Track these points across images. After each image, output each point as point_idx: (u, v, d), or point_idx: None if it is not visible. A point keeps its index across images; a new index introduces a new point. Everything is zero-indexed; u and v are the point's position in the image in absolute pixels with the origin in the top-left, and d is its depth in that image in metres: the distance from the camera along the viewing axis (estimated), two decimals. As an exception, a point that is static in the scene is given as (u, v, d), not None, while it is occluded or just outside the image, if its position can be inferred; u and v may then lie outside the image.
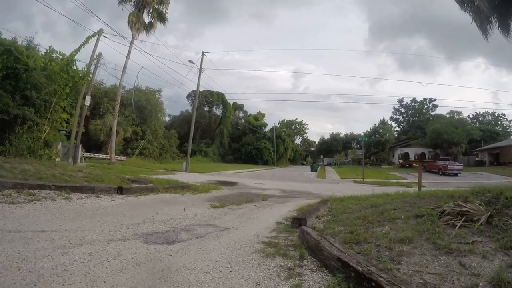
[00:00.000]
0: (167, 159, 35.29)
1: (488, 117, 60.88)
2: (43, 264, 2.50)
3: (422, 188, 9.05)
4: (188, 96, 50.52)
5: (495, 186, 5.15)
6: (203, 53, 24.00)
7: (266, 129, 57.75)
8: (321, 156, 73.24)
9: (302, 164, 70.46)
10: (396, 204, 5.10)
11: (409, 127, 54.15)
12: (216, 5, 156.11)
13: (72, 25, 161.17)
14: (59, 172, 7.43)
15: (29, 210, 4.41)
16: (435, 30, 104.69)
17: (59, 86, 12.19)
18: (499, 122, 59.69)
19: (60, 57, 12.86)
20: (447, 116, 49.84)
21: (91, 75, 16.06)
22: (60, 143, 15.92)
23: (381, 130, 52.13)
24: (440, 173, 25.75)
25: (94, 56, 16.41)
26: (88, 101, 16.02)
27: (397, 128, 57.75)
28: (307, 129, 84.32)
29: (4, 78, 10.61)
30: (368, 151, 47.86)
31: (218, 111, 54.04)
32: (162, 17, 21.43)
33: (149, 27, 20.85)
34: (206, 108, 54.06)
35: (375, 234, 3.48)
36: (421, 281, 2.32)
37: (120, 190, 6.56)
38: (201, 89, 27.62)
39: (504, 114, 59.67)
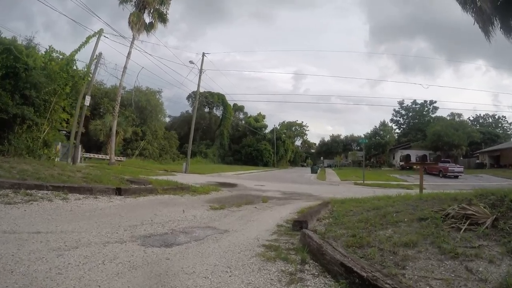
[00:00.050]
0: (167, 160, 35.23)
1: (489, 119, 60.90)
2: (37, 267, 2.43)
3: (423, 191, 8.98)
4: (189, 97, 50.55)
5: (499, 189, 5.09)
6: (203, 54, 24.00)
7: (267, 131, 57.74)
8: (321, 158, 73.10)
9: (302, 165, 70.35)
10: (398, 207, 5.03)
11: (410, 129, 54.10)
12: (217, 5, 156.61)
13: (72, 26, 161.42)
14: (57, 172, 7.36)
15: (25, 210, 4.33)
16: (436, 32, 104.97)
17: (58, 86, 12.12)
18: (500, 125, 59.72)
19: (60, 56, 12.82)
20: (448, 118, 49.78)
21: (91, 75, 16.00)
22: (60, 143, 15.85)
23: (381, 132, 52.09)
24: (441, 175, 25.67)
25: (94, 56, 16.40)
26: (88, 101, 15.98)
27: (397, 130, 57.78)
28: (308, 130, 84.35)
29: (4, 77, 10.55)
30: (369, 153, 47.75)
31: (218, 112, 54.07)
32: (162, 18, 21.44)
33: (149, 27, 20.86)
34: (207, 109, 54.03)
35: (378, 237, 3.40)
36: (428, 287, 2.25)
37: (118, 191, 6.48)
38: (201, 90, 27.60)
39: (504, 117, 59.79)
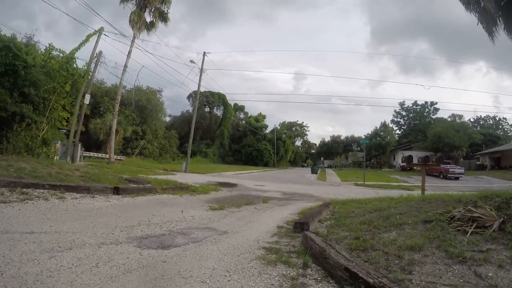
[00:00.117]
0: (167, 159, 35.14)
1: (489, 121, 60.79)
2: (28, 269, 2.33)
3: (425, 192, 8.88)
4: (189, 96, 50.46)
5: (504, 191, 5.01)
6: (204, 53, 23.92)
7: (267, 131, 57.63)
8: (322, 158, 72.91)
9: (303, 166, 70.23)
10: (401, 208, 4.93)
11: (410, 130, 53.95)
12: (218, 5, 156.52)
13: (73, 25, 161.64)
14: (55, 171, 7.26)
15: (20, 210, 4.23)
16: (437, 33, 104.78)
17: (58, 84, 12.02)
18: (500, 126, 59.59)
19: (60, 54, 12.73)
20: (449, 119, 49.66)
21: (91, 74, 15.90)
22: (59, 142, 15.76)
23: (382, 133, 51.97)
24: (441, 176, 25.58)
25: (95, 55, 16.29)
26: (87, 99, 15.88)
27: (398, 131, 57.61)
28: (308, 131, 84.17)
29: (3, 74, 10.46)
30: (369, 154, 47.62)
31: (219, 112, 53.94)
32: (163, 17, 21.35)
33: (150, 26, 20.78)
34: (207, 109, 53.93)
35: (382, 240, 3.30)
36: (436, 294, 2.15)
37: (116, 190, 6.38)
38: (202, 89, 27.53)
39: (505, 118, 59.61)
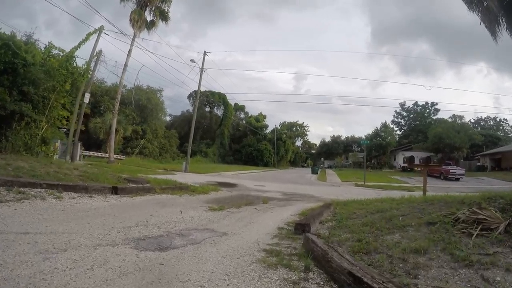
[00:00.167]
0: (167, 159, 35.06)
1: (490, 122, 60.66)
2: (21, 271, 2.26)
3: (426, 193, 8.81)
4: (189, 96, 50.38)
5: (507, 192, 4.94)
6: (205, 53, 23.84)
7: (267, 131, 57.55)
8: (322, 158, 72.83)
9: (303, 166, 70.15)
10: (403, 210, 4.86)
11: (411, 131, 53.83)
12: (218, 5, 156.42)
13: (74, 24, 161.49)
14: (53, 170, 7.19)
15: (16, 209, 4.15)
16: (437, 34, 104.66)
17: (58, 83, 11.95)
18: (501, 127, 59.45)
19: (60, 53, 12.66)
20: (449, 120, 49.56)
21: (91, 72, 15.82)
22: (59, 141, 15.70)
23: (382, 134, 51.88)
24: (442, 177, 25.50)
25: (95, 53, 16.22)
26: (87, 98, 15.80)
27: (398, 132, 57.50)
28: (308, 131, 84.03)
29: (2, 73, 10.39)
30: (369, 154, 47.53)
31: (219, 111, 53.84)
32: (164, 16, 21.26)
33: (150, 25, 20.69)
34: (207, 109, 53.84)
35: (386, 242, 3.22)
36: (443, 300, 2.07)
37: (114, 190, 6.30)
38: (202, 89, 27.47)
39: (506, 119, 59.46)
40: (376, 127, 54.89)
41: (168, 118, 48.83)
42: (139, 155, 31.04)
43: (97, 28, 15.97)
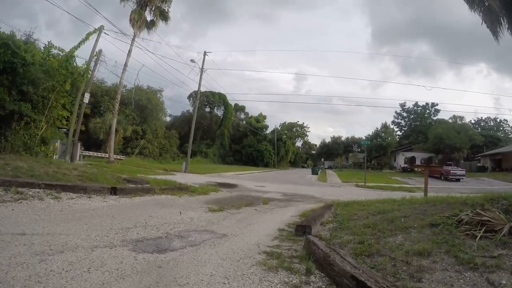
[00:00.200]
0: (167, 159, 35.03)
1: (490, 122, 60.57)
2: (16, 273, 2.20)
3: (427, 194, 8.75)
4: (190, 96, 50.34)
5: (510, 193, 4.88)
6: (205, 53, 23.81)
7: (267, 131, 57.53)
8: (322, 159, 72.78)
9: (303, 167, 70.11)
10: (405, 211, 4.81)
11: (411, 132, 53.80)
12: (218, 5, 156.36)
13: (74, 24, 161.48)
14: (52, 170, 7.14)
15: (13, 210, 4.11)
16: (438, 34, 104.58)
17: (57, 82, 11.91)
18: (501, 128, 59.38)
19: (60, 53, 12.62)
20: (450, 121, 49.53)
21: (91, 72, 15.78)
22: (59, 141, 15.65)
23: (382, 134, 51.83)
24: (442, 178, 25.46)
25: (95, 53, 16.18)
26: (87, 98, 15.76)
27: (398, 133, 57.45)
28: (308, 132, 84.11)
29: (1, 72, 10.35)
30: (370, 155, 47.49)
31: (219, 112, 53.79)
32: (164, 16, 21.23)
33: (151, 25, 20.67)
34: (207, 109, 53.79)
35: (388, 245, 3.17)
36: (449, 305, 2.01)
37: (113, 191, 6.24)
38: (202, 89, 27.43)
39: (506, 120, 59.39)
40: (377, 128, 54.97)
41: (168, 119, 48.89)
42: (139, 155, 31.00)
43: (97, 28, 15.97)
